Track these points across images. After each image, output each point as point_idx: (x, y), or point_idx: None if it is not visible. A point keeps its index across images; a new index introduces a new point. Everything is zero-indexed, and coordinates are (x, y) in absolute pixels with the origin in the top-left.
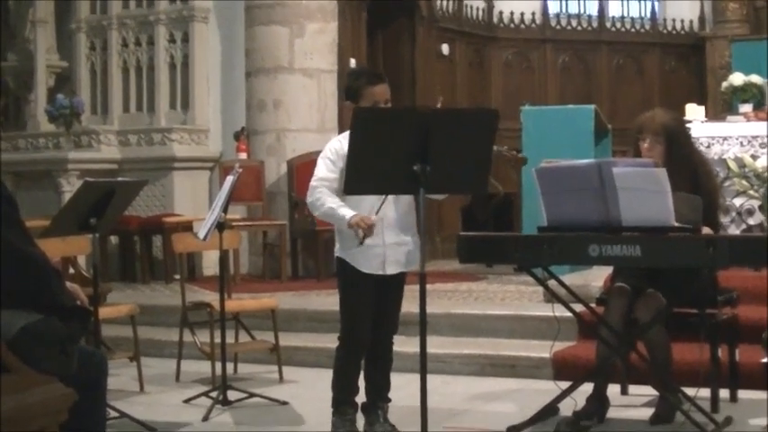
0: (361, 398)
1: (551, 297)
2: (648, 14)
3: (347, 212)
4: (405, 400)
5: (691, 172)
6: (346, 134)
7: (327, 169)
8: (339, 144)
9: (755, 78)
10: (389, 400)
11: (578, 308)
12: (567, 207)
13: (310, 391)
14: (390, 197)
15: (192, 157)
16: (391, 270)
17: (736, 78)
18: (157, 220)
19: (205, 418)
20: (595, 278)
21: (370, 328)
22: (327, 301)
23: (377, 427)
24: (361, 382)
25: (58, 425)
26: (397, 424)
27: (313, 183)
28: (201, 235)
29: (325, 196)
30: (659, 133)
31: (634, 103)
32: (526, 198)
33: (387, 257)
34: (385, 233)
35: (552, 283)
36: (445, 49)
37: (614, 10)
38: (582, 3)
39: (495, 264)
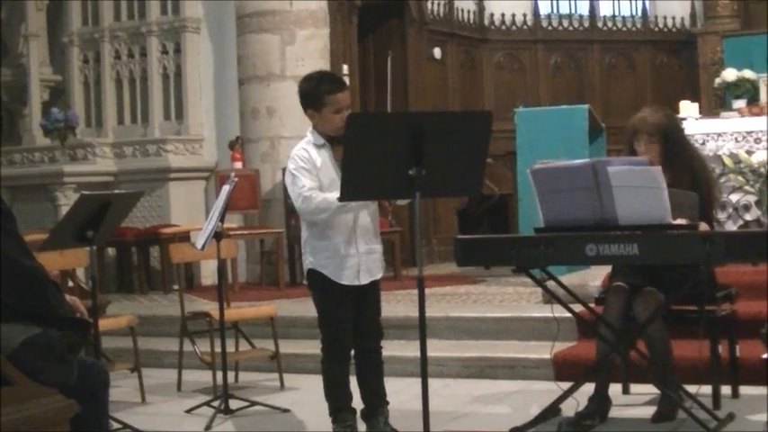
0: (358, 403)
1: (550, 298)
2: (639, 12)
3: None
4: (406, 404)
5: (688, 168)
6: (308, 141)
7: (308, 178)
8: (307, 153)
9: (748, 73)
10: (388, 403)
11: (577, 308)
12: (563, 207)
13: (311, 398)
14: (359, 205)
15: (187, 168)
16: (365, 279)
17: (729, 74)
18: (154, 231)
19: (207, 428)
20: (593, 278)
21: (350, 336)
22: None
23: None
24: (356, 390)
25: None
26: (399, 428)
27: (305, 193)
28: (199, 244)
29: (327, 195)
30: (653, 133)
31: (627, 101)
32: (522, 199)
33: (360, 267)
34: (358, 242)
35: (551, 283)
36: (437, 52)
37: (605, 9)
38: (573, 3)
39: (492, 266)
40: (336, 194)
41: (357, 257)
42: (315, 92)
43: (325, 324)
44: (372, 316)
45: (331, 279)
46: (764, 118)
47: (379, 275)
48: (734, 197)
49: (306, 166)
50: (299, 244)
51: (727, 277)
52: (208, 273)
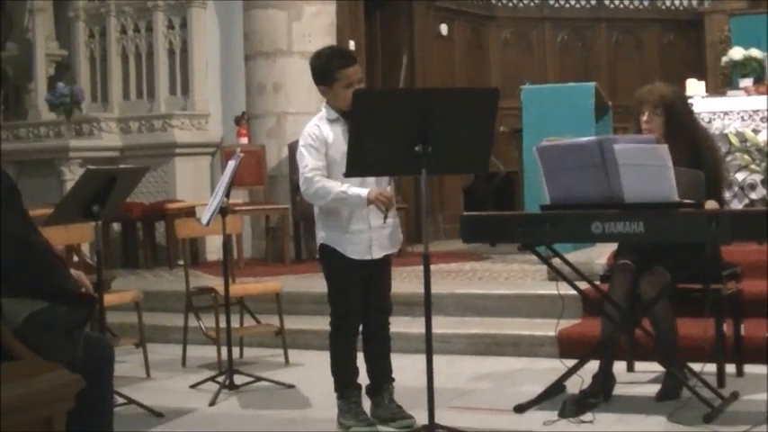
0: (364, 379)
1: (555, 275)
2: None
3: (361, 191)
4: (411, 381)
5: (692, 146)
6: (321, 116)
7: (314, 158)
8: (318, 129)
9: (755, 52)
10: (393, 380)
11: (582, 285)
12: (569, 185)
13: (316, 374)
14: (371, 179)
15: (193, 143)
16: (377, 254)
17: (736, 53)
18: (160, 207)
19: (212, 403)
20: (599, 255)
21: (359, 311)
22: None
23: (383, 409)
24: (362, 366)
25: (66, 412)
26: (404, 405)
27: (307, 174)
28: (204, 220)
29: (326, 183)
30: (658, 105)
31: (633, 80)
32: (528, 176)
33: (372, 241)
34: (370, 217)
35: (556, 261)
36: (444, 29)
37: None
38: None
39: (498, 243)
40: (337, 185)
41: (369, 232)
42: (325, 68)
43: (334, 299)
44: (382, 291)
45: (342, 254)
46: None
47: (393, 250)
48: (740, 176)
49: (314, 144)
50: (305, 220)
51: (733, 256)
52: (213, 248)
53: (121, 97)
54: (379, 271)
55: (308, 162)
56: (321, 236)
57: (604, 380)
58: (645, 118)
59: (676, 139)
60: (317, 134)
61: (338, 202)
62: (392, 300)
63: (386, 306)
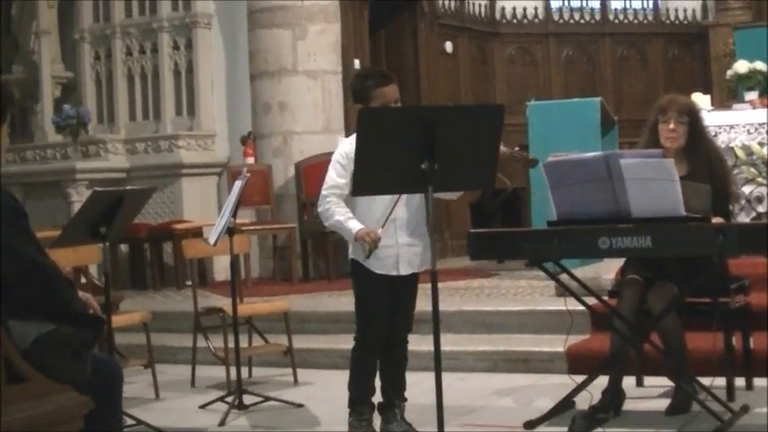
0: (377, 398)
1: (563, 291)
2: (651, 5)
3: (354, 226)
4: (420, 398)
5: (707, 159)
6: None
7: (337, 175)
8: (350, 147)
9: (760, 65)
10: (406, 399)
11: (591, 301)
12: (576, 200)
13: (325, 393)
14: (403, 198)
15: (199, 163)
16: (404, 271)
17: (741, 66)
18: (167, 227)
19: (221, 423)
20: (606, 270)
21: (385, 327)
22: (339, 301)
23: (393, 426)
24: (377, 382)
25: None
26: (414, 422)
27: (323, 192)
28: (212, 240)
29: (333, 207)
30: (683, 112)
31: (639, 94)
32: (534, 192)
33: (400, 258)
34: (398, 234)
35: (564, 276)
36: (448, 47)
37: (617, 2)
38: None
39: (505, 259)
40: (340, 212)
41: (396, 248)
42: (360, 87)
43: (360, 313)
44: (406, 309)
45: (368, 269)
46: None
47: (421, 269)
48: (746, 189)
49: (341, 161)
50: (312, 239)
51: (741, 269)
52: (220, 268)
53: (127, 118)
54: (405, 288)
55: (329, 179)
56: (351, 250)
57: (614, 395)
58: (671, 125)
59: (696, 150)
60: (347, 151)
61: (335, 229)
62: None
63: (407, 324)
